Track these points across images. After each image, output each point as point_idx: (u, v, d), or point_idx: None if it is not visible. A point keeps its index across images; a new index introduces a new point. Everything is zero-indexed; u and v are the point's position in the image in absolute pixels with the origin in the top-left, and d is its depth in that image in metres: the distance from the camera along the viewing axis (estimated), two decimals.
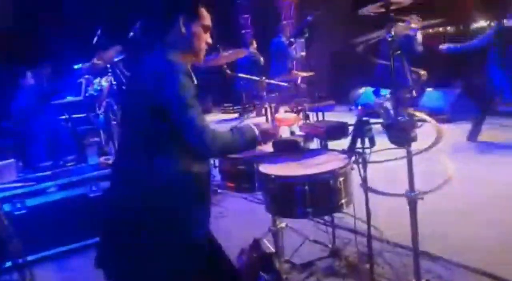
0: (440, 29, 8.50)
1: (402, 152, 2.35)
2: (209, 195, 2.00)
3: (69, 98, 5.96)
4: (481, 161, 5.20)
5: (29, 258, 3.32)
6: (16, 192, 3.67)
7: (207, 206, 1.97)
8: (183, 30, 1.95)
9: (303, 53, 7.82)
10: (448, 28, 8.66)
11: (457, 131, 6.26)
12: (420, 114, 2.19)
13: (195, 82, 1.89)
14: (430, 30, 7.66)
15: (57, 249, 3.73)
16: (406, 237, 2.63)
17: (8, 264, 3.25)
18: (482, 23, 8.27)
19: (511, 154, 5.33)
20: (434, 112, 6.60)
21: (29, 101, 5.16)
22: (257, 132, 2.03)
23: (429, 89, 7.22)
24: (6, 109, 5.17)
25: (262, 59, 8.64)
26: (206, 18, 2.02)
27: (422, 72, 2.03)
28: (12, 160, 3.91)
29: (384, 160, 2.72)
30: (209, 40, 2.06)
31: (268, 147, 2.63)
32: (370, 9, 2.20)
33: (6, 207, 3.59)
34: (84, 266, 3.61)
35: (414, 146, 2.29)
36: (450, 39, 7.82)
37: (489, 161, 5.17)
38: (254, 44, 9.42)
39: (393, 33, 2.06)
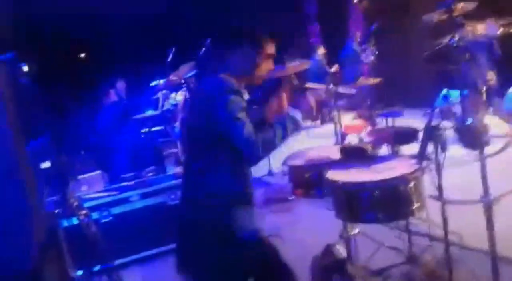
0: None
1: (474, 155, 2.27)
2: (253, 200, 2.15)
3: (148, 113, 6.31)
4: None
5: (117, 262, 3.55)
6: (102, 201, 3.97)
7: (252, 207, 2.13)
8: (244, 57, 2.09)
9: (372, 58, 7.72)
10: None
11: None
12: (495, 117, 2.11)
13: (245, 97, 2.07)
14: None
15: (140, 254, 3.96)
16: (486, 241, 2.52)
17: (97, 268, 3.52)
18: None
19: None
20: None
21: (113, 117, 5.55)
22: (298, 115, 2.10)
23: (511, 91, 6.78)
24: (92, 125, 5.60)
25: (327, 66, 8.56)
26: (270, 47, 2.14)
27: (489, 76, 1.96)
28: (98, 172, 4.21)
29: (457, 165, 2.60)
30: (271, 67, 2.19)
31: (336, 154, 2.66)
32: (433, 16, 2.18)
33: (94, 215, 3.88)
34: (165, 269, 3.82)
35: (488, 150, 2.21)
36: None
37: None
38: (322, 50, 9.36)
39: (457, 39, 2.02)
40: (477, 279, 2.79)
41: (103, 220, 3.90)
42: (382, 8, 8.38)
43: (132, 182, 4.23)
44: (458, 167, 3.20)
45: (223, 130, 1.97)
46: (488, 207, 2.24)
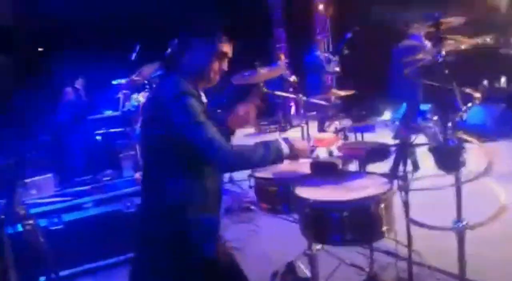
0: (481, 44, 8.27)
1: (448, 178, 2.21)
2: (217, 209, 2.06)
3: (107, 113, 6.06)
4: None
5: (65, 273, 3.34)
6: (53, 207, 3.72)
7: (216, 220, 2.03)
8: (197, 56, 1.97)
9: (338, 69, 7.73)
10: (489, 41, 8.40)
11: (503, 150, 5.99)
12: (469, 138, 2.06)
13: (204, 101, 1.96)
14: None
15: (92, 264, 3.75)
16: (448, 262, 2.48)
17: (42, 279, 3.29)
18: None
19: None
20: (476, 129, 6.39)
21: (68, 115, 5.27)
22: (284, 146, 1.98)
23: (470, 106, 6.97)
24: (46, 124, 5.30)
25: (290, 74, 8.52)
26: (226, 46, 2.00)
27: (477, 94, 1.92)
28: (49, 175, 3.97)
29: (432, 188, 2.58)
30: (225, 67, 2.05)
31: (305, 168, 2.56)
32: (420, 29, 2.11)
33: (43, 222, 3.64)
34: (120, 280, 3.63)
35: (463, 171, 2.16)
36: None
37: None
38: (282, 59, 9.35)
39: (443, 54, 1.96)
40: None
41: (52, 228, 3.65)
42: (351, 18, 8.45)
43: (86, 187, 4.00)
44: (431, 187, 3.18)
45: (181, 136, 1.84)
46: (461, 233, 2.18)
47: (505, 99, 7.23)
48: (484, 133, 6.54)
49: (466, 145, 2.17)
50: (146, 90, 5.40)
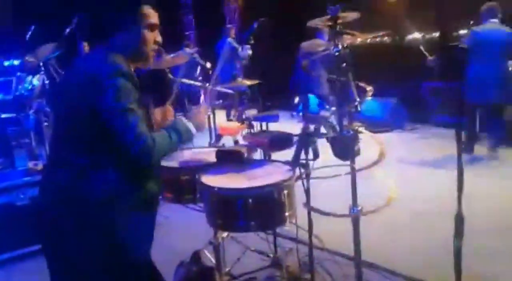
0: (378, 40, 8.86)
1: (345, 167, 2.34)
2: (152, 212, 1.92)
3: None
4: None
5: None
6: None
7: (149, 225, 1.89)
8: (128, 32, 1.83)
9: (250, 52, 7.76)
10: (385, 39, 9.03)
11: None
12: (364, 130, 2.20)
13: (137, 84, 1.77)
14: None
15: None
16: (347, 246, 2.64)
17: None
18: (416, 35, 8.62)
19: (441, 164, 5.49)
20: (372, 121, 6.84)
21: None
22: (190, 125, 1.91)
23: (367, 99, 7.43)
24: None
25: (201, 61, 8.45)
26: (152, 16, 1.89)
27: (369, 87, 2.05)
28: None
29: (330, 176, 2.71)
30: (158, 38, 1.92)
31: (210, 157, 2.56)
32: (318, 22, 2.19)
33: None
34: (6, 278, 3.37)
35: (358, 160, 2.30)
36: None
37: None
38: (191, 46, 9.23)
39: (340, 47, 2.06)
40: None
41: None
42: (261, 7, 8.54)
43: None
44: (330, 175, 3.35)
45: (106, 121, 1.66)
46: (356, 218, 2.32)
47: (398, 93, 7.81)
48: (378, 125, 7.05)
49: (361, 135, 2.31)
50: (42, 72, 5.01)
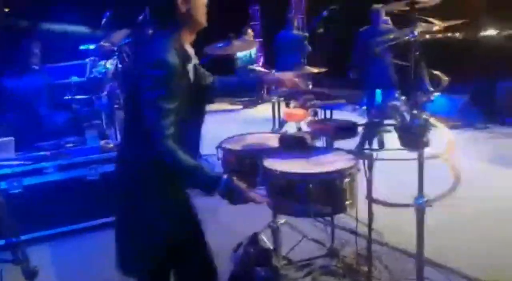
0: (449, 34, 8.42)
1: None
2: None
3: (74, 79, 5.86)
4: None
5: (23, 237, 3.27)
6: (13, 170, 3.62)
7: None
8: (182, 9, 1.86)
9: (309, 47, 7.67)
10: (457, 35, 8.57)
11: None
12: (434, 120, 2.11)
13: (194, 62, 1.88)
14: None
15: (52, 230, 3.69)
16: (407, 242, 2.57)
17: (1, 242, 3.21)
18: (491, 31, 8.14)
19: None
20: (440, 117, 6.59)
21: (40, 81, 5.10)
22: (222, 183, 1.84)
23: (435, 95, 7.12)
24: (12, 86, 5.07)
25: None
26: None
27: (445, 77, 1.96)
28: (11, 138, 3.83)
29: (392, 159, 2.60)
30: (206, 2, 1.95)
31: (274, 142, 2.58)
32: (394, 7, 2.12)
33: (2, 185, 3.53)
34: (78, 248, 3.58)
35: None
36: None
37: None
38: (250, 33, 9.21)
39: (416, 34, 1.98)
40: (394, 277, 2.86)
41: (12, 191, 3.56)
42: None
43: (48, 152, 3.89)
44: (393, 166, 3.26)
45: (142, 109, 1.76)
46: (421, 210, 2.25)
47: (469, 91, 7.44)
48: (447, 121, 6.78)
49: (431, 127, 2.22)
50: (115, 57, 5.24)
